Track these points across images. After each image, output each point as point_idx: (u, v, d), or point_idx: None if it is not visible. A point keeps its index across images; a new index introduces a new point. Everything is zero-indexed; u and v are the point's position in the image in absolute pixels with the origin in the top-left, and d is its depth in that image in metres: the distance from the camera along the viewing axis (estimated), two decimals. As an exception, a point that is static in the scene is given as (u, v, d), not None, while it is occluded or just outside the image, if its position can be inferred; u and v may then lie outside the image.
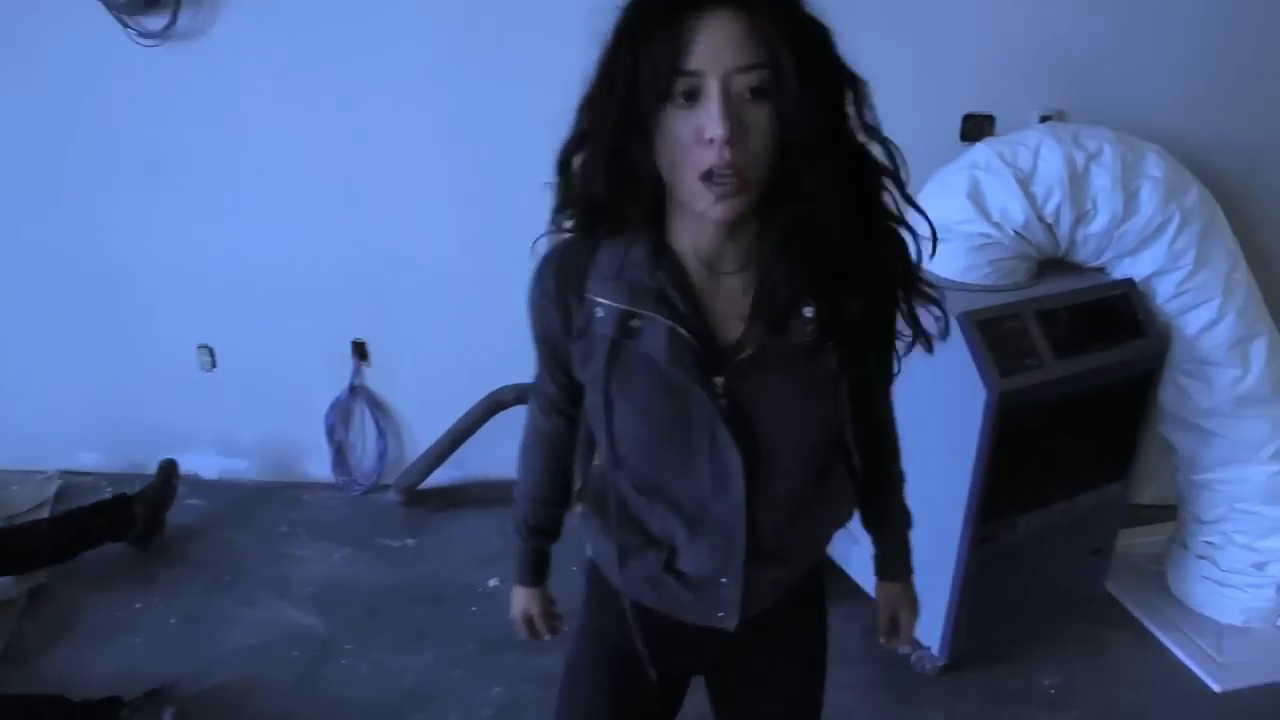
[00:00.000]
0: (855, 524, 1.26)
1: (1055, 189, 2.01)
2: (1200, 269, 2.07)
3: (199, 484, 2.98)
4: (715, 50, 0.84)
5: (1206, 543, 2.35)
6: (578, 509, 1.22)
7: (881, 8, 2.31)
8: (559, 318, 1.06)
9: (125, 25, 2.42)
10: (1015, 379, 1.91)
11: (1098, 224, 2.05)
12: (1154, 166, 2.03)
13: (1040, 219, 2.04)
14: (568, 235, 1.04)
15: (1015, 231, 2.04)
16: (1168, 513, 2.54)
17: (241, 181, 2.63)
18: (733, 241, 0.98)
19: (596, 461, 1.17)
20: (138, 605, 2.47)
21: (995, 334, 1.94)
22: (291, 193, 2.64)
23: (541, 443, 1.26)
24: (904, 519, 1.34)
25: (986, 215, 2.05)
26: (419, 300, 2.74)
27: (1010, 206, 2.03)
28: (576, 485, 1.23)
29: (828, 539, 1.23)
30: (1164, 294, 2.12)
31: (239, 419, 2.95)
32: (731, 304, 1.01)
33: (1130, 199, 2.02)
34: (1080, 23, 2.33)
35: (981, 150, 2.12)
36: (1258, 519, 2.25)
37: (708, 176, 0.87)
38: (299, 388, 2.88)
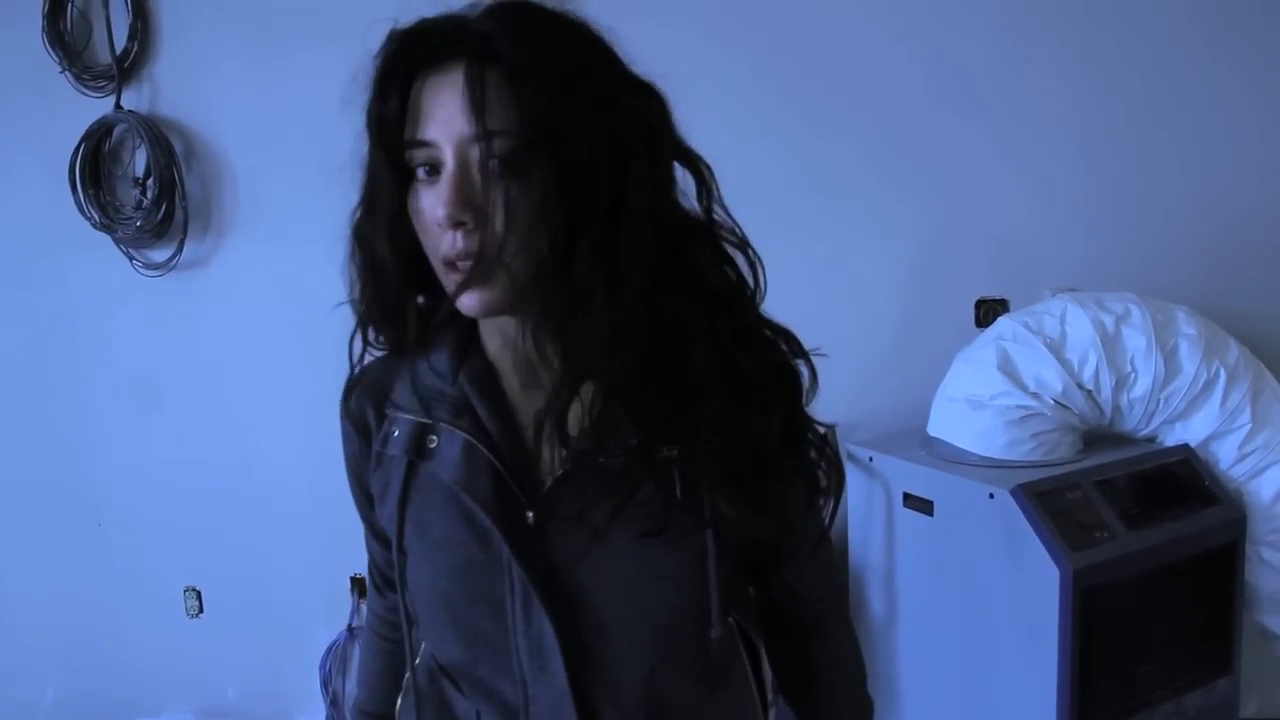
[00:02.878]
0: None
1: (1090, 353, 1.93)
2: (1261, 427, 1.94)
3: (174, 754, 2.64)
4: (449, 114, 0.70)
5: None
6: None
7: (886, 197, 2.37)
8: (361, 447, 0.89)
9: (131, 258, 2.48)
10: (1088, 553, 1.72)
11: (1140, 387, 1.94)
12: (1186, 324, 1.96)
13: (1079, 385, 1.94)
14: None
15: (1055, 400, 1.93)
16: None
17: (237, 412, 2.57)
18: (554, 342, 0.78)
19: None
20: None
21: (1056, 506, 1.77)
22: (288, 422, 2.56)
23: (373, 629, 1.04)
24: None
25: (1022, 386, 1.95)
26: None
27: (1045, 374, 1.94)
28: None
29: None
30: (1226, 458, 1.97)
31: (224, 671, 2.67)
32: None
33: (1170, 358, 1.93)
34: (1086, 199, 2.38)
35: (1005, 323, 2.06)
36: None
37: (450, 264, 0.73)
38: (292, 632, 2.63)
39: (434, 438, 0.81)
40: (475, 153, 0.69)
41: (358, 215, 0.79)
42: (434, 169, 0.72)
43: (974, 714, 1.95)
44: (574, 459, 0.77)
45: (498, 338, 0.81)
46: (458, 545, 0.80)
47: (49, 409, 2.61)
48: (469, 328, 0.84)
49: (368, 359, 0.87)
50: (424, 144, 0.71)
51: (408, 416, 0.82)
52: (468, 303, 0.74)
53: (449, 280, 0.74)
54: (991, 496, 1.81)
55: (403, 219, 0.75)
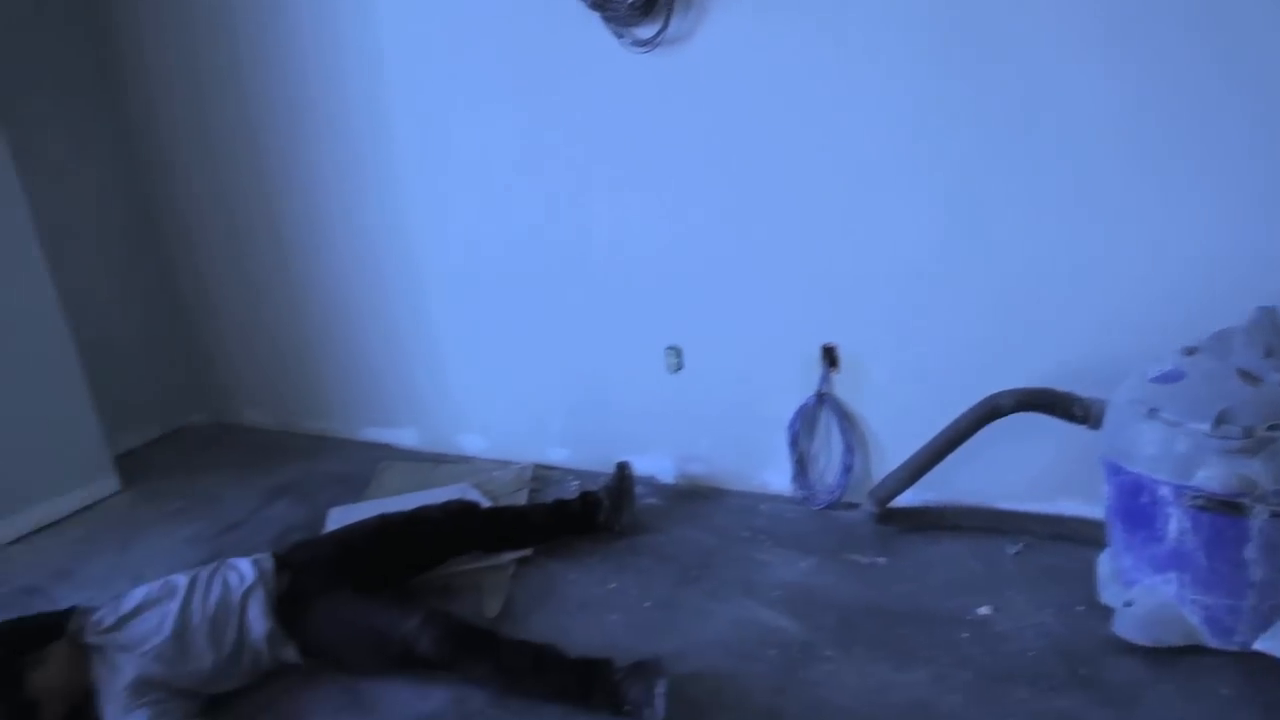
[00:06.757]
0: None
1: None
2: None
3: (656, 486, 3.02)
4: None
5: None
6: None
7: None
8: None
9: (620, 36, 2.61)
10: None
11: None
12: None
13: None
14: None
15: None
16: None
17: (719, 183, 2.67)
18: None
19: None
20: (611, 586, 2.47)
21: None
22: (764, 192, 2.61)
23: None
24: None
25: None
26: (896, 299, 2.54)
27: None
28: None
29: None
30: None
31: (699, 423, 2.94)
32: None
33: None
34: None
35: None
36: None
37: None
38: (763, 393, 2.80)
39: None
40: None
41: None
42: None
43: None
44: None
45: None
46: None
47: (550, 172, 2.90)
48: None
49: None
50: None
51: None
52: None
53: None
54: None
55: None
